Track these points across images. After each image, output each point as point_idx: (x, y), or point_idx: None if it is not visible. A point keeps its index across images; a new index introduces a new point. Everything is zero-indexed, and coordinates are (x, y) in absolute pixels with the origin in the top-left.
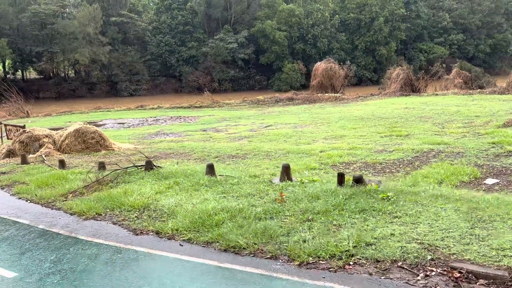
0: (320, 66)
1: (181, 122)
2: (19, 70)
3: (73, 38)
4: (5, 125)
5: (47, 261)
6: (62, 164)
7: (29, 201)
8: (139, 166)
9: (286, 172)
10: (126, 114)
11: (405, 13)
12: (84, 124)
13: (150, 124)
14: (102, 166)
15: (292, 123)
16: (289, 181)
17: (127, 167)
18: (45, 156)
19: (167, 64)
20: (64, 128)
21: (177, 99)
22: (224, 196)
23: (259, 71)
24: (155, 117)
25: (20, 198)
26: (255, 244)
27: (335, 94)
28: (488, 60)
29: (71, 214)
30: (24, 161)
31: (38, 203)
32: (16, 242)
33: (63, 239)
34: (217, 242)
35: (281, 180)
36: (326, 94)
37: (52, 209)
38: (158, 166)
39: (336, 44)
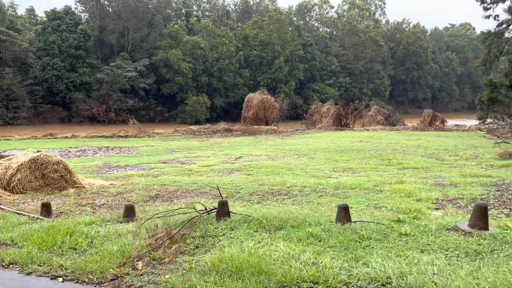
0: (254, 97)
1: (119, 153)
2: None
3: None
4: None
5: None
6: (47, 209)
7: (62, 280)
8: (210, 211)
9: (483, 216)
10: (33, 144)
11: (303, 55)
12: (38, 151)
13: (79, 156)
14: (130, 211)
15: (263, 155)
16: (486, 230)
17: (201, 211)
18: None
19: (54, 90)
20: (7, 157)
21: (67, 130)
22: (450, 257)
23: (160, 102)
24: (76, 147)
25: (30, 274)
26: None
27: (272, 127)
28: (369, 103)
29: None
30: None
31: (85, 283)
32: None
33: None
34: None
35: (474, 226)
36: (263, 127)
37: None
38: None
39: (240, 79)
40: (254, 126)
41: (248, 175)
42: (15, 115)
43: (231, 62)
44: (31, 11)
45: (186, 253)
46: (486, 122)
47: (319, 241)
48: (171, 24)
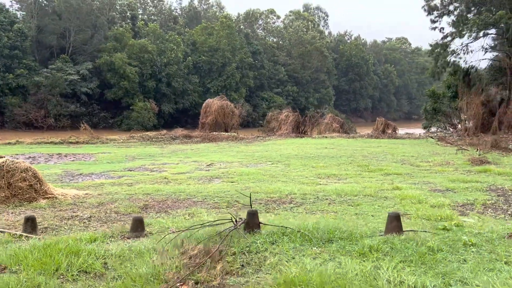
0: (214, 103)
1: (75, 161)
2: None
3: None
4: None
5: None
6: (32, 225)
7: None
8: (241, 222)
9: None
10: None
11: (253, 62)
12: (2, 157)
13: (31, 163)
14: (139, 224)
15: (235, 162)
16: None
17: (236, 222)
18: None
19: None
20: None
21: (2, 136)
22: None
23: (104, 107)
24: (24, 154)
25: None
26: None
27: (232, 134)
28: (324, 111)
29: None
30: None
31: None
32: None
33: None
34: None
35: None
36: (223, 133)
37: None
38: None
39: (190, 85)
40: (214, 132)
41: (232, 182)
42: None
43: (180, 68)
44: None
45: (234, 274)
46: (430, 131)
47: (385, 255)
48: (116, 27)
